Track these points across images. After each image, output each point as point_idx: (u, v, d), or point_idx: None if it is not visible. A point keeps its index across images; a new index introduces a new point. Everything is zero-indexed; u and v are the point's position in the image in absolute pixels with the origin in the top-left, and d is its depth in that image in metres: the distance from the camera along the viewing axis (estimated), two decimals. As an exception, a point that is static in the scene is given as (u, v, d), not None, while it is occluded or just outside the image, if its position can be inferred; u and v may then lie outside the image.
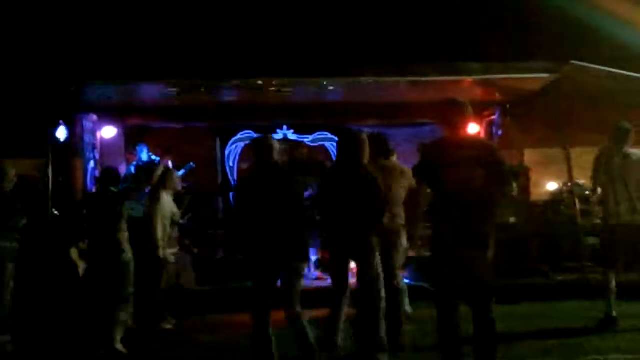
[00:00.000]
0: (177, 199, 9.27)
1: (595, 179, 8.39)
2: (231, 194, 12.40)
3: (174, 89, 10.81)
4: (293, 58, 10.68)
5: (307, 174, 11.19)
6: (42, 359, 7.59)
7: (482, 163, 5.78)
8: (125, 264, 7.54)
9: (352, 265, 7.04)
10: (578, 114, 10.95)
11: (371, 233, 6.70)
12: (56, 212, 10.45)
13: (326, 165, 12.28)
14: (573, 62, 9.89)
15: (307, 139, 13.41)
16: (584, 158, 10.82)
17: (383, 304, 6.67)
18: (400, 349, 6.95)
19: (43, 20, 11.65)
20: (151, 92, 11.25)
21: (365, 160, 6.78)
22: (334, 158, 13.29)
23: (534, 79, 10.61)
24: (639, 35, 11.70)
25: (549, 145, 11.63)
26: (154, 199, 8.69)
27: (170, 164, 11.62)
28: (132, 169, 11.69)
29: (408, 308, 8.46)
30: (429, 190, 6.02)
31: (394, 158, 7.74)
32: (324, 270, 10.89)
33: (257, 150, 6.60)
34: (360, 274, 6.78)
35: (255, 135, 13.36)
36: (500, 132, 12.36)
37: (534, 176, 12.03)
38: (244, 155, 13.52)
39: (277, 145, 6.64)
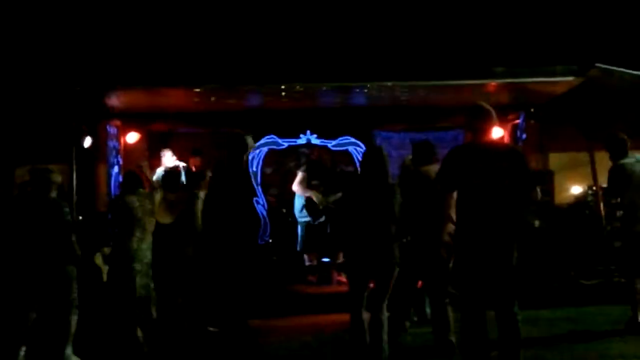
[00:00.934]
0: None
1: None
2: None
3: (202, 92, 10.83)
4: (317, 63, 10.66)
5: (331, 179, 11.25)
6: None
7: (509, 168, 5.78)
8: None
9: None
10: (603, 118, 10.88)
11: (392, 248, 6.69)
12: (80, 217, 10.50)
13: (349, 171, 12.29)
14: (598, 65, 9.82)
15: (331, 144, 13.40)
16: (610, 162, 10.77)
17: (384, 315, 6.70)
18: None
19: (69, 29, 11.71)
20: (175, 97, 11.26)
21: (387, 176, 6.79)
22: (357, 163, 13.33)
23: (559, 82, 10.54)
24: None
25: (574, 149, 11.55)
26: (196, 197, 8.73)
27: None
28: (160, 174, 11.71)
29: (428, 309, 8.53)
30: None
31: (434, 166, 7.54)
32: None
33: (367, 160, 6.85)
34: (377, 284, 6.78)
35: (278, 140, 13.42)
36: (524, 136, 12.29)
37: (558, 180, 11.96)
38: (267, 160, 13.54)
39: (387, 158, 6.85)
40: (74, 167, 10.64)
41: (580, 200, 11.91)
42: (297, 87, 10.65)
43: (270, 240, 12.91)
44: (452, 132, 13.10)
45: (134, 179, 8.11)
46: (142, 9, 12.03)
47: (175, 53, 11.12)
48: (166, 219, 8.26)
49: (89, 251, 9.57)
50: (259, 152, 13.49)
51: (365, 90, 11.05)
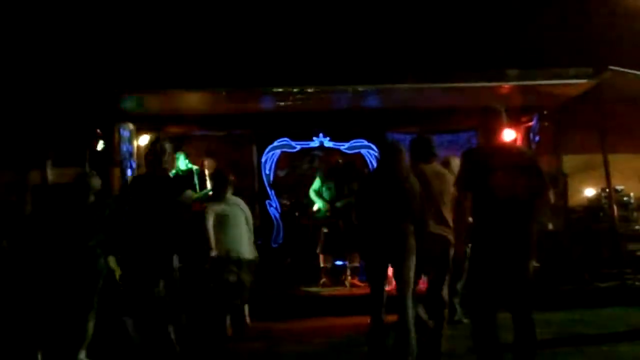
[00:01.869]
0: None
1: None
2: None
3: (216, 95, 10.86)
4: (330, 65, 10.68)
5: (346, 181, 11.27)
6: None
7: (524, 170, 5.79)
8: None
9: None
10: (617, 120, 10.86)
11: (408, 234, 6.67)
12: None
13: (364, 172, 12.29)
14: (612, 67, 9.81)
15: (344, 147, 13.40)
16: (624, 164, 10.76)
17: (411, 312, 6.65)
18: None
19: (82, 33, 11.77)
20: (189, 100, 11.29)
21: (404, 169, 6.77)
22: (370, 165, 13.32)
23: (573, 84, 10.52)
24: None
25: (587, 151, 11.53)
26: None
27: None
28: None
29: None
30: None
31: (432, 163, 7.52)
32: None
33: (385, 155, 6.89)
34: (395, 276, 6.76)
35: (291, 143, 13.44)
36: (537, 138, 12.26)
37: (572, 182, 11.93)
38: (280, 162, 13.55)
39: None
40: (88, 169, 10.68)
41: (594, 202, 11.89)
42: (310, 89, 10.65)
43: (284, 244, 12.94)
44: (464, 134, 13.08)
45: None
46: (156, 13, 12.07)
47: (188, 56, 11.16)
48: None
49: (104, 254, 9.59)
50: (272, 154, 13.51)
51: (378, 93, 11.04)
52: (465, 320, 8.48)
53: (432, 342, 6.86)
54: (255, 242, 9.16)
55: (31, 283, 7.46)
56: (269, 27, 12.19)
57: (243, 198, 9.34)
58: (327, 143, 13.46)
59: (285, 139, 13.48)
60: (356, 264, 11.15)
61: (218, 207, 8.73)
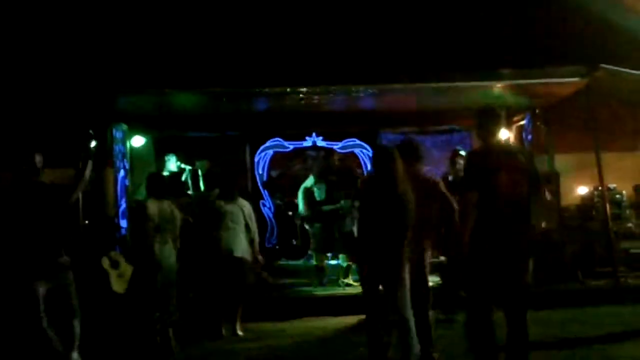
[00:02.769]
0: None
1: None
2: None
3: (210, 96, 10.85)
4: (323, 66, 10.68)
5: (339, 182, 11.28)
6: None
7: (523, 169, 5.83)
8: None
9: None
10: (609, 119, 10.89)
11: (403, 248, 6.66)
12: (86, 222, 10.53)
13: (357, 173, 12.28)
14: (604, 66, 9.83)
15: (337, 146, 13.41)
16: (617, 163, 10.80)
17: (409, 312, 6.64)
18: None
19: (76, 33, 11.75)
20: (182, 101, 11.27)
21: (400, 176, 6.75)
22: (363, 165, 13.34)
23: (565, 83, 10.54)
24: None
25: (580, 150, 11.55)
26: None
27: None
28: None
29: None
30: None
31: (419, 166, 7.39)
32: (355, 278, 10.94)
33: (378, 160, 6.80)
34: (388, 288, 6.74)
35: (284, 143, 13.45)
36: (530, 137, 12.29)
37: (565, 181, 11.96)
38: (273, 162, 13.56)
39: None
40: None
41: (586, 201, 11.93)
42: (303, 90, 10.64)
43: (277, 244, 12.95)
44: (458, 134, 13.11)
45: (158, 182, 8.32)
46: (151, 14, 12.06)
47: (182, 57, 11.15)
48: None
49: (96, 255, 9.61)
50: (265, 154, 13.52)
51: (371, 92, 11.04)
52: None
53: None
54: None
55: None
56: (262, 28, 12.19)
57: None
58: (320, 143, 13.48)
59: (278, 139, 13.49)
60: (349, 264, 11.18)
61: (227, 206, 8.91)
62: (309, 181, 11.41)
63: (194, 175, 11.78)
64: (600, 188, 11.04)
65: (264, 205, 13.38)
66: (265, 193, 13.48)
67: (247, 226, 8.96)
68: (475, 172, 5.90)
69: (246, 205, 9.10)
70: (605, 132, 10.92)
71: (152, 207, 7.96)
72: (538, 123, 12.18)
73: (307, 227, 11.36)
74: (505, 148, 6.12)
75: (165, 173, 11.73)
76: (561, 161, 12.04)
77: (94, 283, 9.35)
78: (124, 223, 11.84)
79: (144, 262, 7.92)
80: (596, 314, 9.14)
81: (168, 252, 7.95)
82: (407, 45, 11.66)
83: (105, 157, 11.62)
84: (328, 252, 11.43)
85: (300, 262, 12.11)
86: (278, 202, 13.31)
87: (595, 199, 11.56)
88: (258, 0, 12.79)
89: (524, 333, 5.79)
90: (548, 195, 6.19)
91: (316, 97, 10.91)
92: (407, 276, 6.66)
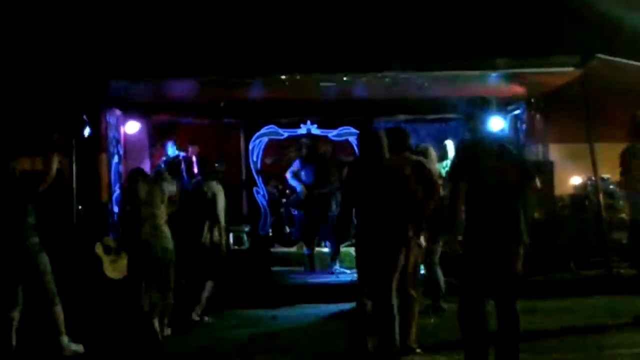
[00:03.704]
0: None
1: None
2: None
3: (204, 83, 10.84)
4: (317, 53, 10.65)
5: (330, 170, 11.29)
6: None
7: (513, 159, 5.82)
8: None
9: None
10: (604, 109, 10.88)
11: (402, 229, 6.66)
12: (80, 207, 10.51)
13: (344, 158, 12.30)
14: (599, 55, 9.82)
15: (331, 134, 13.40)
16: (611, 153, 10.78)
17: (395, 301, 6.64)
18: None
19: (70, 17, 11.68)
20: (176, 88, 11.26)
21: (386, 153, 6.75)
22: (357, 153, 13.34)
23: (560, 73, 10.54)
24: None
25: (574, 140, 11.55)
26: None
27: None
28: (162, 165, 11.74)
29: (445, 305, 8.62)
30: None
31: (407, 154, 7.31)
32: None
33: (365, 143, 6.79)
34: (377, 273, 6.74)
35: (278, 130, 13.44)
36: (525, 127, 12.30)
37: (559, 171, 11.95)
38: (267, 150, 13.55)
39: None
40: (74, 157, 10.64)
41: (580, 191, 11.93)
42: (298, 77, 10.63)
43: (271, 231, 12.95)
44: (452, 123, 13.10)
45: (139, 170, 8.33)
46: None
47: (176, 44, 11.09)
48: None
49: (90, 241, 9.60)
50: (259, 142, 13.51)
51: (366, 81, 11.03)
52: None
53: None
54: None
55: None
56: (256, 15, 12.13)
57: (230, 185, 9.42)
58: (315, 130, 13.46)
59: (273, 126, 13.48)
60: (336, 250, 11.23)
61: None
62: (295, 165, 11.42)
63: (187, 161, 11.77)
64: (593, 178, 11.05)
65: (258, 193, 13.37)
66: (259, 180, 13.46)
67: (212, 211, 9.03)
68: (465, 162, 5.89)
69: (213, 189, 9.09)
70: (600, 122, 10.91)
71: (143, 189, 7.94)
72: (533, 112, 12.19)
73: (295, 212, 11.37)
74: (494, 138, 6.11)
75: (164, 158, 11.77)
76: (555, 151, 12.05)
77: (87, 269, 9.35)
78: (117, 209, 11.85)
79: (134, 246, 7.90)
80: (587, 304, 9.16)
81: (162, 234, 7.91)
82: (402, 33, 11.60)
83: (99, 143, 11.61)
84: (316, 239, 11.44)
85: (293, 249, 12.10)
86: (271, 189, 13.32)
87: (589, 189, 11.55)
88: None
89: (514, 322, 5.79)
90: (539, 185, 6.15)
91: (310, 84, 10.91)
92: (400, 262, 6.67)
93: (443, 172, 9.34)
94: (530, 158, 6.22)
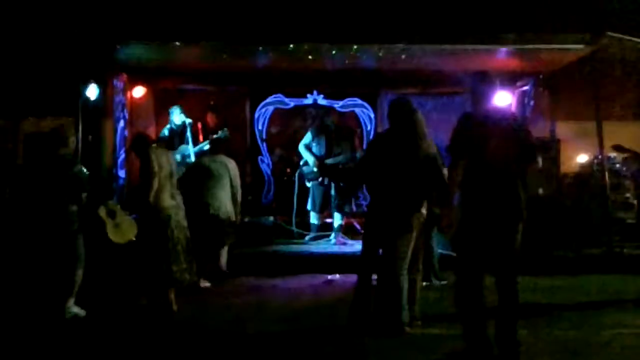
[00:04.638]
0: None
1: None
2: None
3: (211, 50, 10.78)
4: (325, 23, 10.58)
5: (340, 140, 11.25)
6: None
7: (515, 135, 5.79)
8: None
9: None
10: (613, 87, 10.83)
11: (413, 212, 6.66)
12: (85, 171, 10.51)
13: (356, 132, 12.26)
14: (610, 33, 9.75)
15: (338, 105, 13.34)
16: (618, 132, 10.74)
17: (402, 285, 6.66)
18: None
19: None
20: (184, 54, 11.19)
21: (422, 131, 6.74)
22: (363, 124, 13.30)
23: (570, 50, 10.46)
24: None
25: (581, 118, 11.50)
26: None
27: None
28: (166, 132, 11.72)
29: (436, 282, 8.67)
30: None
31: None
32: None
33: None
34: (386, 250, 6.75)
35: (284, 99, 13.39)
36: (532, 103, 12.23)
37: (565, 149, 11.92)
38: (273, 119, 13.51)
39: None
40: (80, 120, 10.65)
41: (585, 169, 11.89)
42: (305, 47, 10.57)
43: (274, 200, 12.95)
44: (459, 98, 13.03)
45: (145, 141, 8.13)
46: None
47: (185, 9, 11.03)
48: None
49: (94, 204, 9.60)
50: (265, 110, 13.46)
51: (374, 52, 10.97)
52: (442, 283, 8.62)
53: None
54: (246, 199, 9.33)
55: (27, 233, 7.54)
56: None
57: (235, 154, 9.42)
58: (321, 101, 13.41)
59: (279, 95, 13.42)
60: (343, 222, 11.25)
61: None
62: (307, 138, 11.39)
63: (193, 128, 11.73)
64: (599, 157, 11.02)
65: (262, 162, 13.35)
66: (264, 149, 13.44)
67: (231, 184, 9.08)
68: (466, 137, 5.86)
69: (231, 163, 9.20)
70: (608, 101, 10.87)
71: (162, 157, 7.84)
72: (541, 89, 12.13)
73: (308, 185, 11.36)
74: (497, 113, 6.07)
75: (169, 126, 11.72)
76: (562, 128, 11.99)
77: (91, 231, 9.37)
78: (122, 173, 11.86)
79: (152, 215, 7.77)
80: (588, 282, 9.19)
81: (177, 205, 7.89)
82: (411, 7, 11.53)
83: (105, 107, 11.60)
84: (325, 210, 11.46)
85: (295, 219, 12.09)
86: (276, 158, 13.32)
87: (595, 168, 11.51)
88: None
89: (514, 298, 5.80)
90: (540, 164, 6.14)
91: (317, 54, 10.85)
92: (412, 241, 6.68)
93: None
94: (534, 135, 6.13)
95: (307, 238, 11.42)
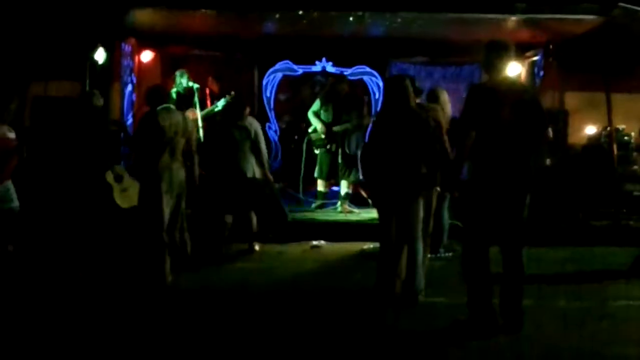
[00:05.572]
0: None
1: None
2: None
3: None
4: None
5: (348, 108, 11.21)
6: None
7: (526, 107, 5.78)
8: None
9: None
10: (623, 59, 10.75)
11: (418, 175, 6.66)
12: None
13: (365, 100, 12.22)
14: (622, 5, 9.67)
15: (346, 72, 13.29)
16: (627, 104, 10.69)
17: (419, 255, 6.68)
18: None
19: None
20: (192, 20, 11.14)
21: (412, 105, 6.75)
22: (371, 92, 13.27)
23: (581, 21, 10.38)
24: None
25: (591, 89, 11.43)
26: None
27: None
28: (173, 95, 11.69)
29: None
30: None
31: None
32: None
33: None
34: (401, 220, 6.75)
35: (293, 66, 13.34)
36: (542, 74, 12.17)
37: (573, 120, 11.86)
38: (281, 86, 13.48)
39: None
40: (87, 84, 10.64)
41: (593, 141, 11.84)
42: (315, 14, 10.51)
43: (281, 167, 12.96)
44: (468, 67, 12.98)
45: (160, 94, 7.94)
46: None
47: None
48: None
49: (101, 168, 9.63)
50: (274, 77, 13.43)
51: (383, 20, 10.90)
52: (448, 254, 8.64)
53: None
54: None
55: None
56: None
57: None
58: (330, 68, 13.37)
59: (288, 61, 13.38)
60: (350, 191, 11.25)
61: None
62: (316, 105, 11.35)
63: (201, 93, 11.70)
64: (608, 128, 10.98)
65: (270, 128, 13.34)
66: (271, 116, 13.43)
67: (255, 146, 9.03)
68: (477, 107, 5.84)
69: (253, 124, 9.12)
70: (618, 73, 10.80)
71: (164, 118, 7.57)
72: (551, 59, 12.06)
73: (316, 151, 11.33)
74: (510, 84, 6.03)
75: (176, 89, 11.69)
76: (571, 99, 11.94)
77: (98, 195, 9.41)
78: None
79: (149, 177, 7.58)
80: (593, 254, 9.19)
81: (176, 168, 7.65)
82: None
83: (113, 70, 11.57)
84: (332, 178, 11.45)
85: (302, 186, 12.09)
86: (284, 125, 13.32)
87: (603, 140, 11.47)
88: None
89: (519, 269, 5.83)
90: (550, 135, 6.13)
91: (326, 21, 10.79)
92: (421, 208, 6.69)
93: None
94: (543, 106, 6.11)
95: (313, 206, 11.41)
